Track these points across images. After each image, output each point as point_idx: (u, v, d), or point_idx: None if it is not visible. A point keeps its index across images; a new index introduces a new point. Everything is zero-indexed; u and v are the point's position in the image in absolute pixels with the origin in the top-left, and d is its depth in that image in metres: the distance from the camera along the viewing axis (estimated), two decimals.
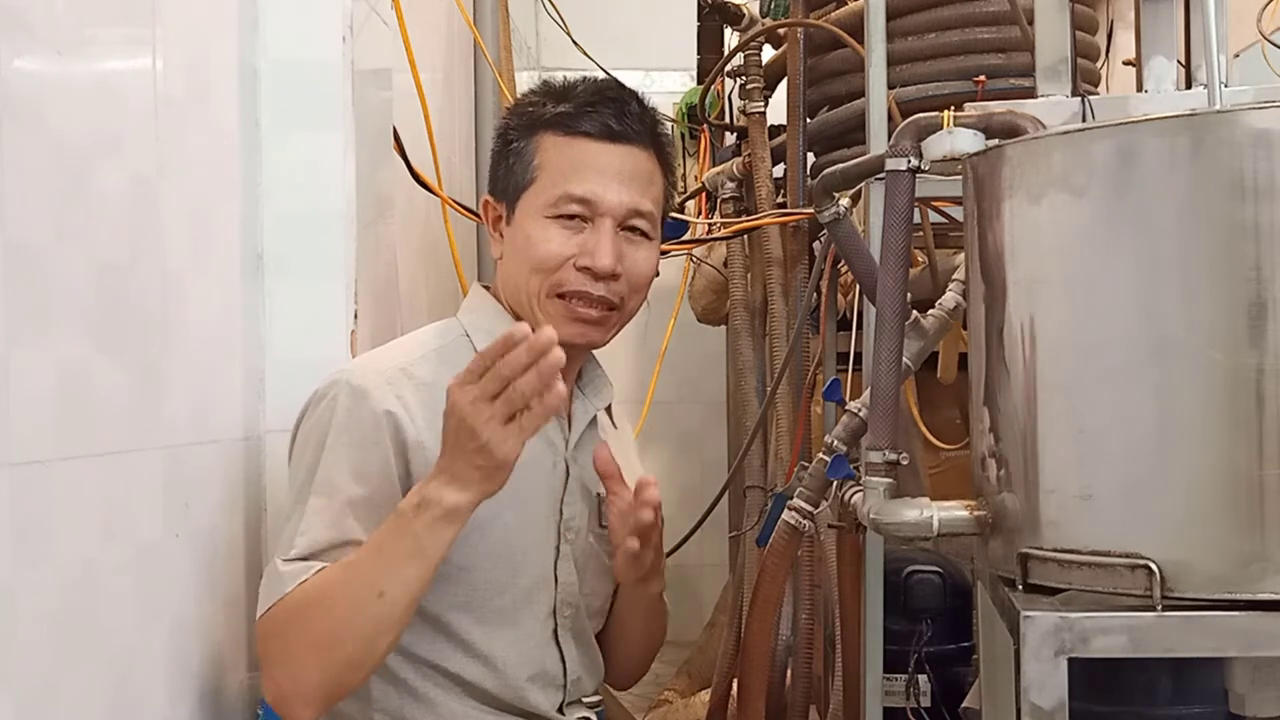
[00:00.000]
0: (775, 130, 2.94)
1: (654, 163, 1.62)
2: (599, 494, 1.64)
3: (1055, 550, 1.24)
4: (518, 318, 1.61)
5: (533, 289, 1.58)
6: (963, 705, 2.17)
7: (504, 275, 1.64)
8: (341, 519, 1.47)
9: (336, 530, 1.47)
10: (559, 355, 1.32)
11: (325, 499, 1.48)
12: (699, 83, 3.42)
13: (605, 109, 1.58)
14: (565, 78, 1.64)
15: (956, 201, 2.06)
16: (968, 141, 1.39)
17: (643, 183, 1.60)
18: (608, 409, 1.73)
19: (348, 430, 1.49)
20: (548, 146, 1.59)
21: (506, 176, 1.62)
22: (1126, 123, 1.24)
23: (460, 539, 1.52)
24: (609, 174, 1.57)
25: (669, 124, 3.42)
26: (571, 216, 1.56)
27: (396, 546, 1.40)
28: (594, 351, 1.70)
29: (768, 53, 3.05)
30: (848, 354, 2.40)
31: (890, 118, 2.10)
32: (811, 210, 1.90)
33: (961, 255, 1.78)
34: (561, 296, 1.57)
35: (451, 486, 1.38)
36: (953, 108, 1.51)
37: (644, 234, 1.60)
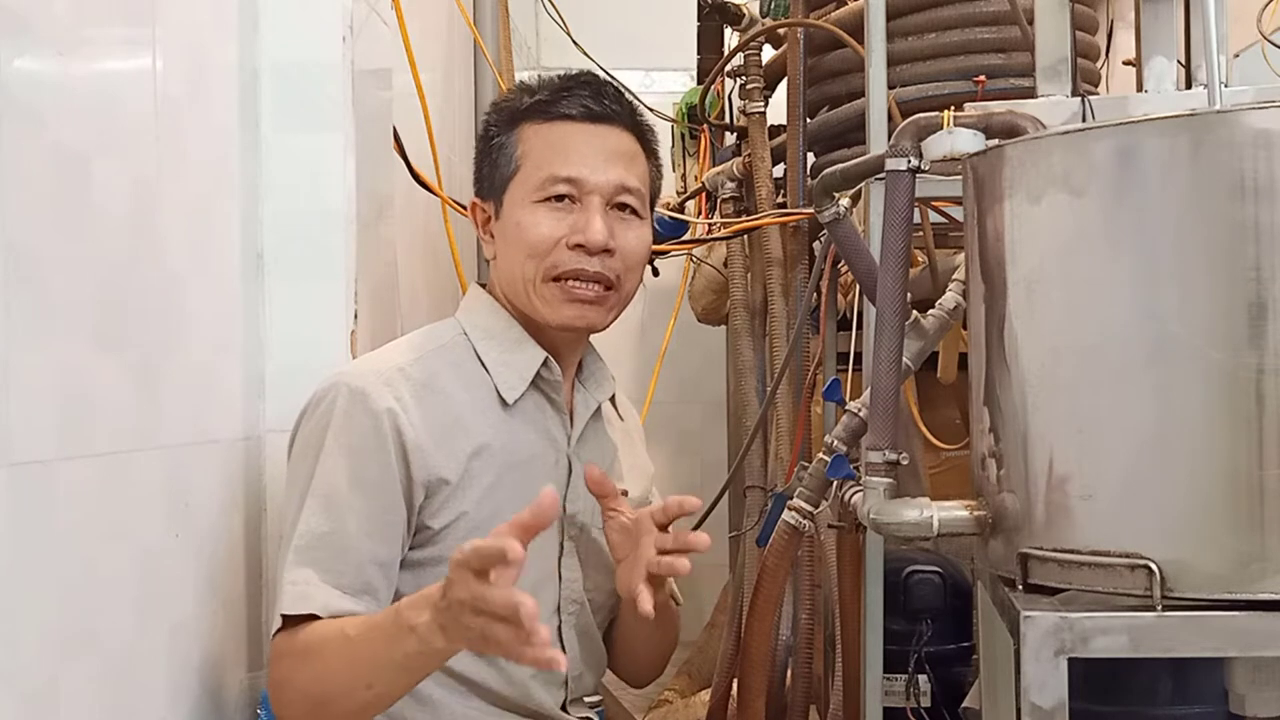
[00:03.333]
0: (775, 130, 2.94)
1: (636, 144, 1.63)
2: None
3: (1055, 550, 1.24)
4: (517, 313, 1.62)
5: (528, 275, 1.58)
6: (963, 705, 2.17)
7: (499, 271, 1.64)
8: (341, 522, 1.48)
9: (336, 534, 1.47)
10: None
11: (324, 502, 1.48)
12: (699, 83, 3.42)
13: (581, 91, 1.60)
14: (540, 75, 1.65)
15: (956, 201, 2.06)
16: (968, 141, 1.39)
17: (626, 160, 1.61)
18: (612, 399, 1.73)
19: (346, 433, 1.49)
20: (529, 135, 1.60)
21: (491, 173, 1.63)
22: (1126, 123, 1.24)
23: (462, 539, 1.51)
24: (592, 153, 1.58)
25: (668, 123, 3.43)
26: (560, 198, 1.57)
27: (388, 652, 1.37)
28: (595, 347, 1.71)
29: (768, 53, 3.05)
30: (848, 354, 2.40)
31: (890, 118, 2.10)
32: (811, 210, 1.90)
33: (961, 255, 1.78)
34: (557, 280, 1.57)
35: (442, 635, 1.31)
36: (953, 108, 1.51)
37: (634, 211, 1.61)
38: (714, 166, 3.25)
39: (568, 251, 1.56)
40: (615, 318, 1.63)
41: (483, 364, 1.60)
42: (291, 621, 1.46)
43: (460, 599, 1.25)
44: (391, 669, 1.38)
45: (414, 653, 1.35)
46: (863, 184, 2.03)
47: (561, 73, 1.65)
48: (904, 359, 1.55)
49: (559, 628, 1.61)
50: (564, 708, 1.62)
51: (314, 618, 1.45)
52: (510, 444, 1.58)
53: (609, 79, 1.65)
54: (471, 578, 1.23)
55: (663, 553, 1.47)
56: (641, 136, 1.64)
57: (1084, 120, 1.62)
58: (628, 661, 1.75)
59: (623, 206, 1.59)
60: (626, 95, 1.65)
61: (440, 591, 1.29)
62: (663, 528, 1.49)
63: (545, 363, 1.61)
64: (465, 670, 1.54)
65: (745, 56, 2.93)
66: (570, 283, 1.57)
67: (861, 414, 1.73)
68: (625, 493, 1.68)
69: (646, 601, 1.45)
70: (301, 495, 1.50)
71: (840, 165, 1.72)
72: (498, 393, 1.58)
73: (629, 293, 1.63)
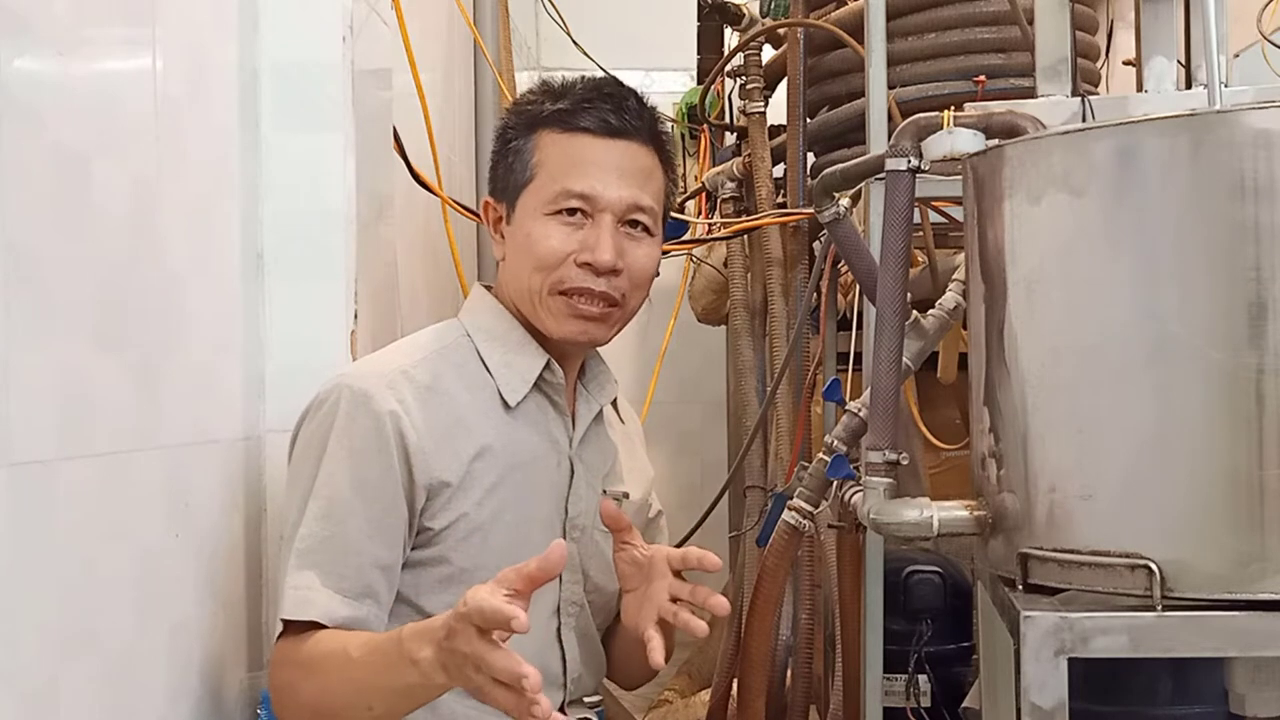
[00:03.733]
0: (775, 130, 2.94)
1: (653, 159, 1.62)
2: (605, 491, 1.64)
3: (1055, 550, 1.24)
4: (520, 317, 1.62)
5: (534, 287, 1.58)
6: (963, 705, 2.17)
7: (506, 275, 1.64)
8: (342, 525, 1.47)
9: (337, 537, 1.47)
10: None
11: (326, 504, 1.48)
12: (699, 83, 3.42)
13: (603, 105, 1.58)
14: (564, 77, 1.64)
15: (956, 201, 2.06)
16: (968, 141, 1.39)
17: (642, 178, 1.60)
18: (613, 402, 1.73)
19: (349, 435, 1.49)
20: (546, 144, 1.59)
21: (506, 176, 1.62)
22: (1126, 123, 1.24)
23: (463, 540, 1.53)
24: (608, 169, 1.57)
25: (669, 123, 3.43)
26: (572, 212, 1.56)
27: (389, 678, 1.37)
28: (597, 350, 1.71)
29: (768, 53, 3.05)
30: (848, 354, 2.40)
31: (890, 118, 2.10)
32: (811, 210, 1.90)
33: (961, 255, 1.79)
34: (563, 294, 1.57)
35: (444, 673, 1.31)
36: (953, 108, 1.51)
37: (645, 229, 1.60)
38: (714, 166, 3.25)
39: (575, 268, 1.56)
40: (618, 332, 1.63)
41: (485, 366, 1.60)
42: (294, 626, 1.46)
43: (464, 653, 1.25)
44: (393, 695, 1.38)
45: (416, 684, 1.34)
46: (863, 184, 2.03)
47: (585, 76, 1.63)
48: (904, 359, 1.55)
49: (558, 629, 1.61)
50: (563, 709, 1.62)
51: (317, 624, 1.45)
52: (512, 445, 1.58)
53: (631, 89, 1.62)
54: (475, 635, 1.23)
55: (675, 600, 1.46)
56: (660, 150, 1.63)
57: (1084, 120, 1.62)
58: (621, 667, 1.75)
59: (634, 224, 1.59)
60: (648, 106, 1.63)
61: (444, 630, 1.28)
62: (677, 573, 1.48)
63: (548, 365, 1.60)
64: None
65: (745, 56, 2.94)
66: (576, 298, 1.56)
67: (861, 414, 1.73)
68: (626, 495, 1.68)
69: (657, 652, 1.43)
70: (303, 497, 1.50)
71: (840, 165, 1.72)
72: (500, 395, 1.58)
73: (634, 309, 1.62)
